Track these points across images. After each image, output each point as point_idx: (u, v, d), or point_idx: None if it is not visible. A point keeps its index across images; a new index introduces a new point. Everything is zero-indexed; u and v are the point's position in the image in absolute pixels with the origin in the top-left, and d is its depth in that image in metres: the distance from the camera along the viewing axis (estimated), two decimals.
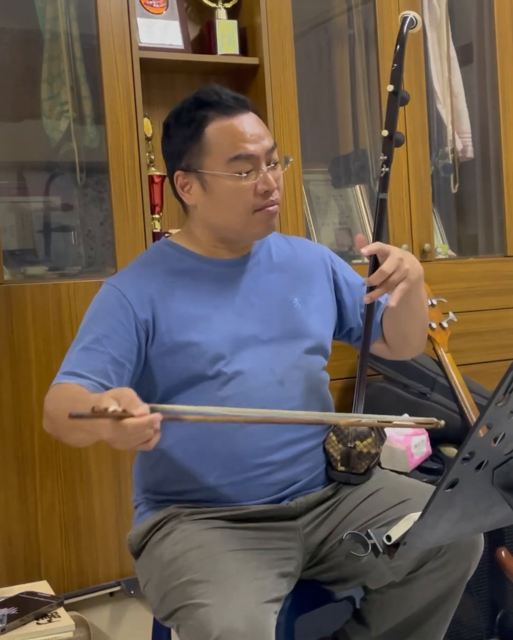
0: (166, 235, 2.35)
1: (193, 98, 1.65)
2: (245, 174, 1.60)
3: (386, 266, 1.57)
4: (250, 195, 1.61)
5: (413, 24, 1.71)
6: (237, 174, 1.60)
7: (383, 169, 1.69)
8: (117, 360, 1.57)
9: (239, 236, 1.68)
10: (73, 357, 1.58)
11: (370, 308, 1.71)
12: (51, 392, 1.54)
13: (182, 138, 1.64)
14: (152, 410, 1.28)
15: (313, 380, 1.71)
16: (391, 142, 1.69)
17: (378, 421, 1.56)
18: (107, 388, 1.52)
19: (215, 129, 1.61)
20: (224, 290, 1.68)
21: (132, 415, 1.23)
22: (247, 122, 1.62)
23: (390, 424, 1.58)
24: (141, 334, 1.61)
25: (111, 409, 1.22)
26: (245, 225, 1.64)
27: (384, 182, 1.70)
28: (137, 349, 1.60)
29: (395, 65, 1.69)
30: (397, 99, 1.68)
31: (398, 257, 1.58)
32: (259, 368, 1.64)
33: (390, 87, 1.68)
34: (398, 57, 1.69)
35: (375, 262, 1.63)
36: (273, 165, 1.63)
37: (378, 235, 1.70)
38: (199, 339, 1.62)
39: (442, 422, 1.42)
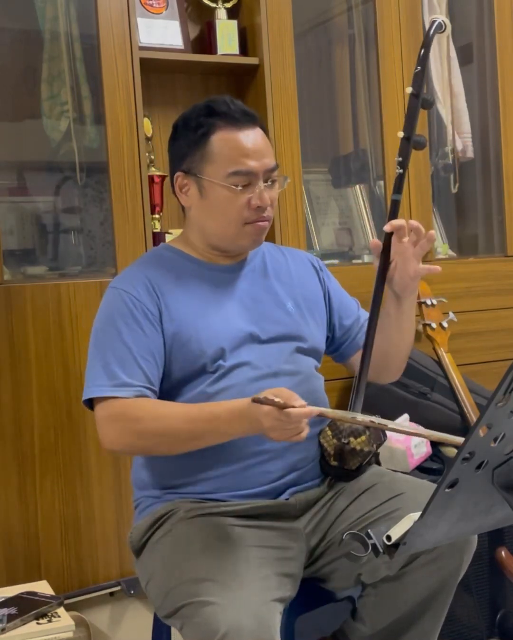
0: (167, 234, 2.35)
1: (204, 105, 1.69)
2: (241, 188, 1.63)
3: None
4: (243, 207, 1.65)
5: (441, 28, 1.70)
6: (233, 186, 1.63)
7: (397, 170, 1.69)
8: (148, 360, 1.61)
9: (228, 245, 1.71)
10: (110, 368, 1.60)
11: (375, 309, 1.72)
12: (119, 407, 1.57)
13: (187, 141, 1.68)
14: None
15: (307, 374, 1.75)
16: (408, 144, 1.68)
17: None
18: (152, 390, 1.60)
19: (220, 139, 1.65)
20: (222, 293, 1.72)
21: (294, 406, 1.42)
22: (253, 138, 1.66)
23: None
24: (159, 327, 1.64)
25: (277, 399, 1.42)
26: (235, 235, 1.68)
27: (398, 183, 1.70)
28: (160, 343, 1.64)
29: (418, 68, 1.68)
30: (418, 101, 1.67)
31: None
32: (256, 362, 1.68)
33: (409, 89, 1.67)
34: (422, 60, 1.68)
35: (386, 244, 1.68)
36: (270, 183, 1.67)
37: (389, 236, 1.69)
38: (200, 337, 1.65)
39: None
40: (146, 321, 1.63)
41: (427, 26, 1.70)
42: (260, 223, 1.67)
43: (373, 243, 1.70)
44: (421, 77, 1.68)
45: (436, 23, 1.70)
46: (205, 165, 1.65)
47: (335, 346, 1.89)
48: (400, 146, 1.70)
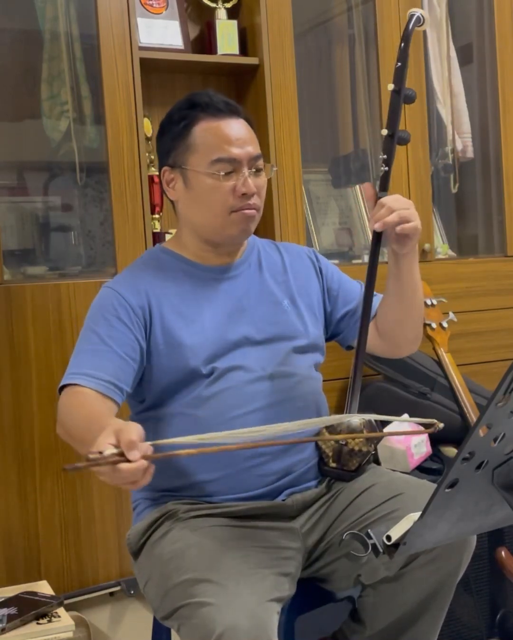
0: (167, 234, 2.35)
1: (186, 99, 1.71)
2: (224, 174, 1.64)
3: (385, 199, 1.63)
4: (228, 195, 1.64)
5: (420, 21, 1.68)
6: (217, 173, 1.63)
7: (382, 168, 1.68)
8: (123, 357, 1.59)
9: (217, 237, 1.70)
10: (80, 358, 1.60)
11: (367, 301, 1.71)
12: (64, 397, 1.55)
13: (171, 136, 1.69)
14: (155, 448, 1.26)
15: (303, 376, 1.74)
16: (392, 141, 1.68)
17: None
18: (117, 386, 1.56)
19: (202, 129, 1.66)
20: (217, 294, 1.71)
21: (128, 460, 1.21)
22: (234, 127, 1.66)
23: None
24: (142, 330, 1.63)
25: (107, 452, 1.21)
26: (222, 225, 1.67)
27: (384, 181, 1.69)
28: (139, 346, 1.63)
29: (398, 63, 1.66)
30: (400, 97, 1.66)
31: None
32: (250, 365, 1.67)
33: (391, 86, 1.66)
34: (402, 55, 1.66)
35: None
36: (255, 170, 1.67)
37: (378, 236, 1.70)
38: (192, 341, 1.65)
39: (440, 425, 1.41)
40: (129, 321, 1.62)
41: (407, 20, 1.68)
42: (247, 211, 1.66)
43: (367, 189, 1.69)
44: (402, 73, 1.66)
45: (415, 17, 1.68)
46: (189, 156, 1.66)
47: (337, 333, 1.86)
48: (384, 144, 1.69)
